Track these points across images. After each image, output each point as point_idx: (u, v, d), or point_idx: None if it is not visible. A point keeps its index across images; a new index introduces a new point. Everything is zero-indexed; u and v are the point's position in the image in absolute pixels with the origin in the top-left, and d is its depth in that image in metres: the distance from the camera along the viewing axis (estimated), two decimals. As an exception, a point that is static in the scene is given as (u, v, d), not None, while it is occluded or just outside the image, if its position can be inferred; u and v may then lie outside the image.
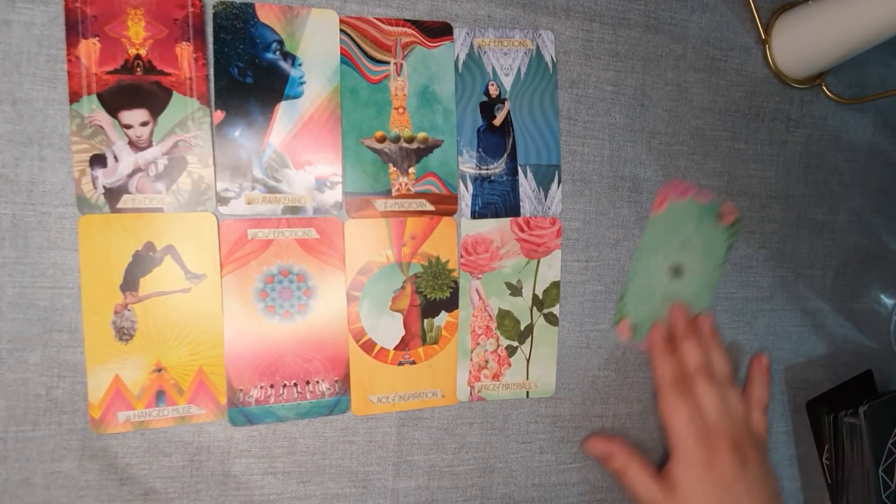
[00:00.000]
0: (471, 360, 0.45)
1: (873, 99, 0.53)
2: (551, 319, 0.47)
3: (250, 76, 0.41)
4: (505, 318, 0.46)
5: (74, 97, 0.38)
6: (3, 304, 0.38)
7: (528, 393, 0.46)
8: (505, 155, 0.45)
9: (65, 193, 0.38)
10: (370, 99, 0.43)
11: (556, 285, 0.46)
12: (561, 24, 0.46)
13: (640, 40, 0.48)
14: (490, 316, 0.45)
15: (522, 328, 0.46)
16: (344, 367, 0.43)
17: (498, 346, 0.46)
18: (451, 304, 0.45)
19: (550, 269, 0.46)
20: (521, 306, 0.46)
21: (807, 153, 0.53)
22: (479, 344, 0.45)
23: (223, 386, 0.41)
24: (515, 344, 0.46)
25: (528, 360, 0.46)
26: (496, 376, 0.46)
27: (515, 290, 0.46)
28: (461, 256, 0.45)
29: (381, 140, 0.43)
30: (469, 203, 0.45)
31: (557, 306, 0.47)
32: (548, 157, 0.46)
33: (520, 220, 0.46)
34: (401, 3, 0.43)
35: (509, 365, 0.46)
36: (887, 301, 0.56)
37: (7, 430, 0.38)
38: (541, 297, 0.46)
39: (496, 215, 0.45)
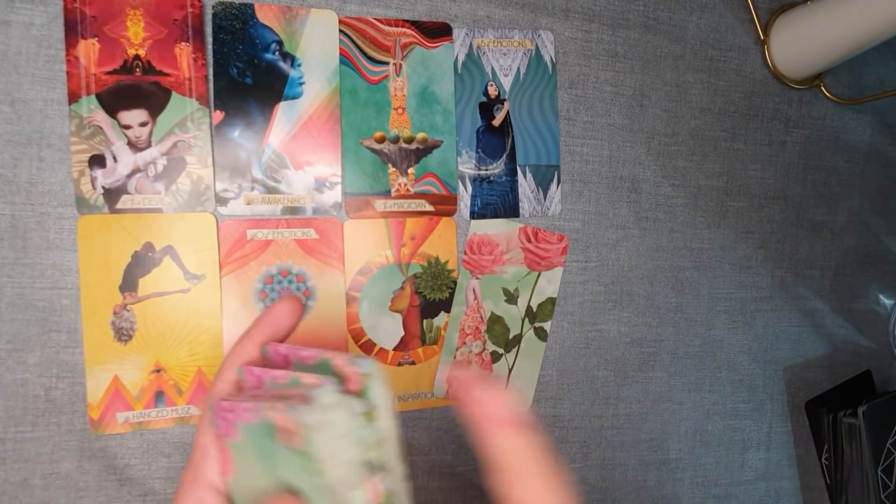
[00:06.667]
0: (454, 357, 0.45)
1: (872, 99, 0.53)
2: (541, 334, 0.46)
3: (249, 76, 0.41)
4: (496, 323, 0.46)
5: (73, 97, 0.38)
6: (2, 304, 0.37)
7: None
8: (504, 155, 0.45)
9: (64, 194, 0.38)
10: (369, 99, 0.43)
11: (551, 301, 0.46)
12: (560, 25, 0.46)
13: (639, 41, 0.48)
14: (482, 318, 0.45)
15: (511, 337, 0.46)
16: (343, 367, 0.43)
17: (484, 349, 0.45)
18: (451, 304, 0.45)
19: (549, 284, 0.46)
20: (513, 315, 0.46)
21: (805, 154, 0.53)
22: (465, 343, 0.45)
23: (222, 386, 0.40)
24: (501, 351, 0.46)
25: (510, 370, 0.46)
26: None
27: (511, 298, 0.46)
28: (464, 253, 0.45)
29: (381, 140, 0.43)
30: (468, 203, 0.45)
31: (549, 322, 0.46)
32: (547, 157, 0.46)
33: (529, 229, 0.45)
34: (400, 3, 0.43)
35: (491, 371, 0.46)
36: (886, 301, 0.56)
37: (6, 431, 0.38)
38: (534, 310, 0.46)
39: (495, 215, 0.45)
